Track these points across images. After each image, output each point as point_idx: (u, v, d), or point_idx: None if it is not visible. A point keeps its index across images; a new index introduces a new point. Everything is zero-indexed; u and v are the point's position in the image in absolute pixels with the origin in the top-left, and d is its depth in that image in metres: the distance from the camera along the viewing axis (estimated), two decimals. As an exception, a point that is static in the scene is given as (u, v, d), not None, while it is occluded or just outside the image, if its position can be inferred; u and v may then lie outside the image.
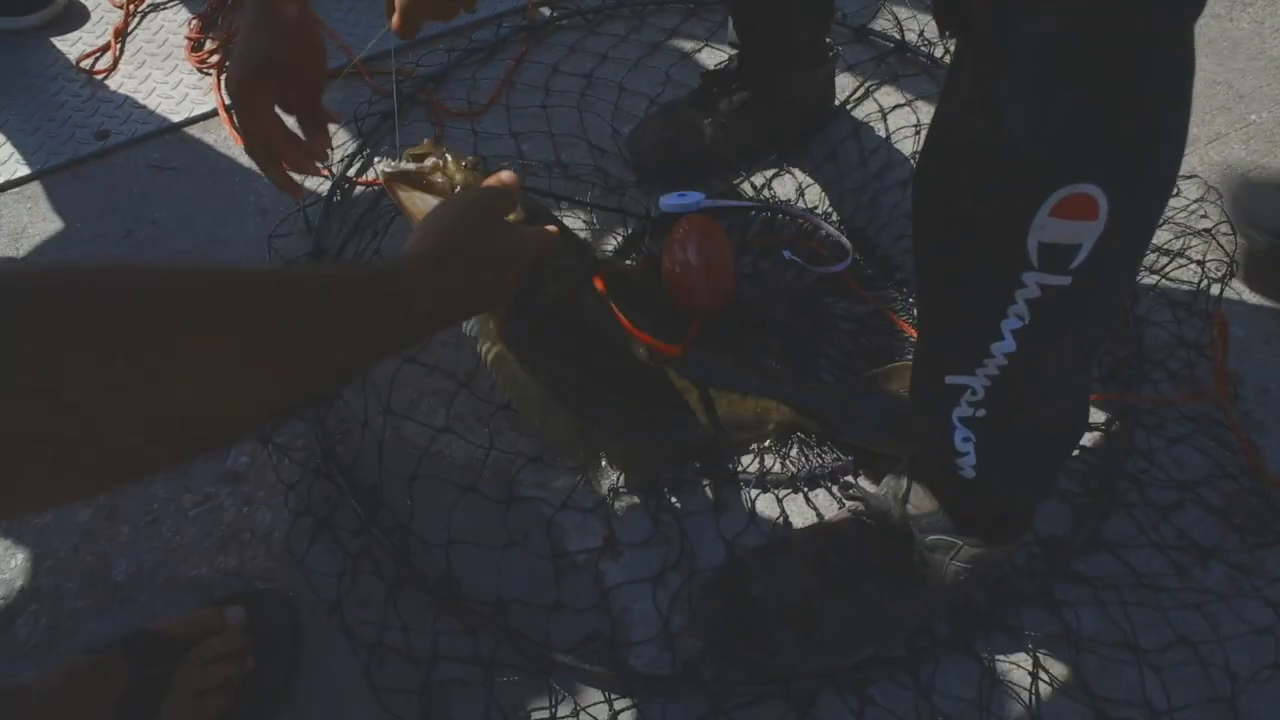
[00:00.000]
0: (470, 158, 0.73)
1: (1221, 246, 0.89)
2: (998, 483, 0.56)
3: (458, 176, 0.71)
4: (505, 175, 0.62)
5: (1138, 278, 0.87)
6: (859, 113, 1.03)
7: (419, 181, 0.71)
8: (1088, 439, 0.78)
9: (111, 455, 0.30)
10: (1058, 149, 0.39)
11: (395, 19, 0.58)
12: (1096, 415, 0.79)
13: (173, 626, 0.64)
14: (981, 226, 0.44)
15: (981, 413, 0.52)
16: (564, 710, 0.64)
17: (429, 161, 0.71)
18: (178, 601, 0.70)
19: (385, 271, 0.48)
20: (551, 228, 0.68)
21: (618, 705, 0.64)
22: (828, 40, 0.94)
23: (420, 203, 0.70)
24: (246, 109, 0.61)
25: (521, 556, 0.71)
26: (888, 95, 1.04)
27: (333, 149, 0.66)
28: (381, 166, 0.72)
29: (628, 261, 0.89)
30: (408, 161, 0.72)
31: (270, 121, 0.62)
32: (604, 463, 0.73)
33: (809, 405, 0.74)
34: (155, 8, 1.16)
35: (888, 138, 1.00)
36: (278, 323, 0.36)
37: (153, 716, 0.60)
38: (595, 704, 0.64)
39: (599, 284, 0.75)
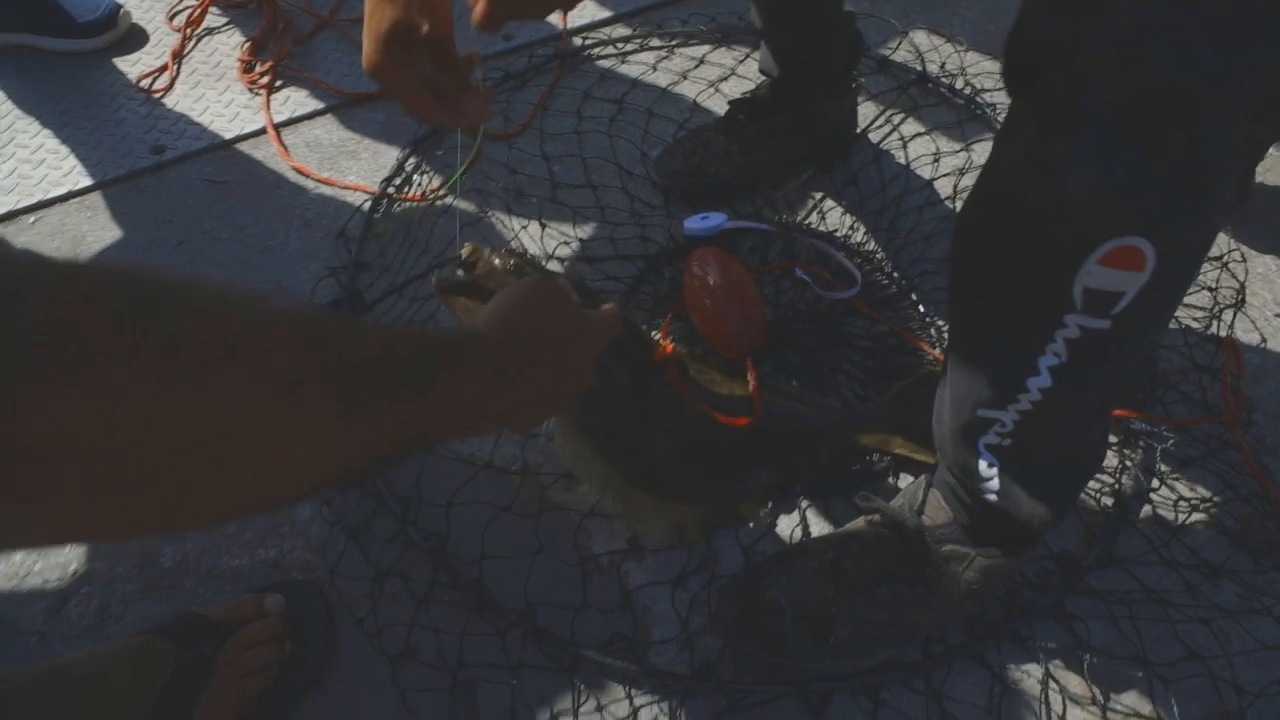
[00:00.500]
0: (515, 250, 0.72)
1: (1232, 274, 0.91)
2: (1018, 507, 0.58)
3: (509, 275, 0.67)
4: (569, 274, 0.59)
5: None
6: (880, 140, 1.06)
7: (472, 289, 0.66)
8: (1100, 458, 0.79)
9: (155, 478, 0.27)
10: (1113, 206, 0.40)
11: (479, 9, 0.55)
12: (1111, 435, 0.81)
13: (217, 611, 0.68)
14: (1029, 272, 0.45)
15: (1008, 442, 0.54)
16: (587, 706, 0.66)
17: (488, 264, 0.67)
18: (220, 589, 0.74)
19: (459, 352, 0.42)
20: (614, 309, 0.60)
21: (638, 701, 0.66)
22: (855, 72, 0.98)
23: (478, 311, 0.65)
24: (391, 86, 0.58)
25: (549, 562, 0.74)
26: (908, 124, 1.08)
27: (485, 101, 0.59)
28: (434, 280, 0.68)
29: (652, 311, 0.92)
30: (460, 272, 0.67)
31: (414, 97, 0.58)
32: (685, 533, 0.74)
33: (872, 423, 0.78)
34: (210, 31, 1.23)
35: (907, 165, 1.04)
36: (343, 370, 0.33)
37: (198, 695, 0.63)
38: (617, 700, 0.66)
39: (672, 376, 0.76)
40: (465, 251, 0.68)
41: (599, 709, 0.66)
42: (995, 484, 0.55)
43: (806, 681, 0.66)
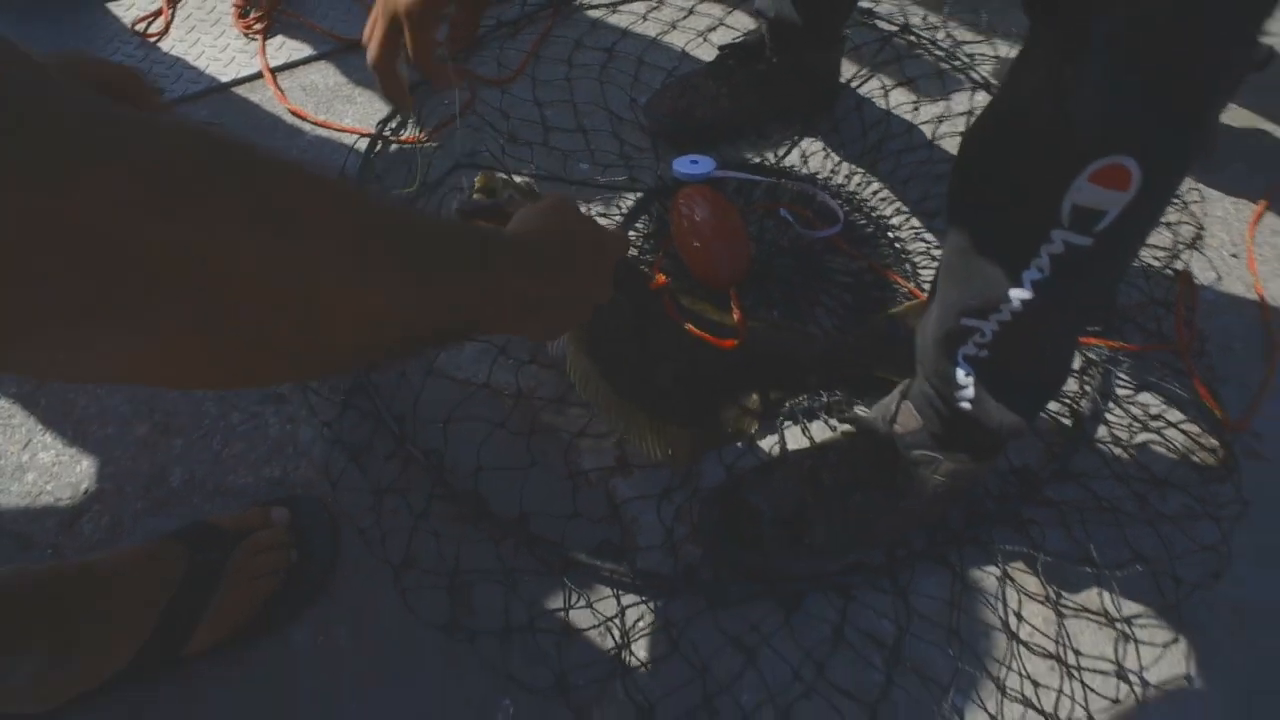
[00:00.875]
0: (524, 178, 0.76)
1: (1192, 214, 0.95)
2: (989, 416, 0.62)
3: (525, 198, 0.71)
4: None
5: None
6: (862, 89, 1.09)
7: (494, 213, 0.69)
8: (1062, 384, 0.84)
9: (243, 318, 0.29)
10: (1111, 125, 0.44)
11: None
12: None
13: (226, 520, 0.71)
14: (1024, 185, 0.49)
15: (985, 354, 0.58)
16: (577, 606, 0.71)
17: (503, 189, 0.72)
18: (227, 506, 0.77)
19: (507, 246, 0.45)
20: (622, 232, 0.68)
21: (625, 601, 0.71)
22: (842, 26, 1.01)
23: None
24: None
25: (541, 476, 0.78)
26: (889, 74, 1.11)
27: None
28: (455, 205, 0.71)
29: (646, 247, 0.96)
30: (478, 196, 0.71)
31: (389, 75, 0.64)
32: (674, 452, 0.77)
33: (856, 353, 0.82)
34: (203, -22, 1.24)
35: (888, 112, 1.07)
36: (419, 240, 0.36)
37: (209, 596, 0.67)
38: (604, 599, 0.71)
39: (667, 305, 0.81)
40: (478, 181, 0.71)
41: (588, 607, 0.70)
42: (970, 392, 0.60)
43: (781, 581, 0.70)
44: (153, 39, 1.15)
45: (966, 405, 0.61)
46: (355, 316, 0.34)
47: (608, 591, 0.71)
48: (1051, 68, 0.45)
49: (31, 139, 0.23)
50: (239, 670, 0.68)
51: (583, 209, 0.96)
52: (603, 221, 0.95)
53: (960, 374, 0.59)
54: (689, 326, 0.80)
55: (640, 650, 0.69)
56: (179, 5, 1.20)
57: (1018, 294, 0.52)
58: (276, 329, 0.31)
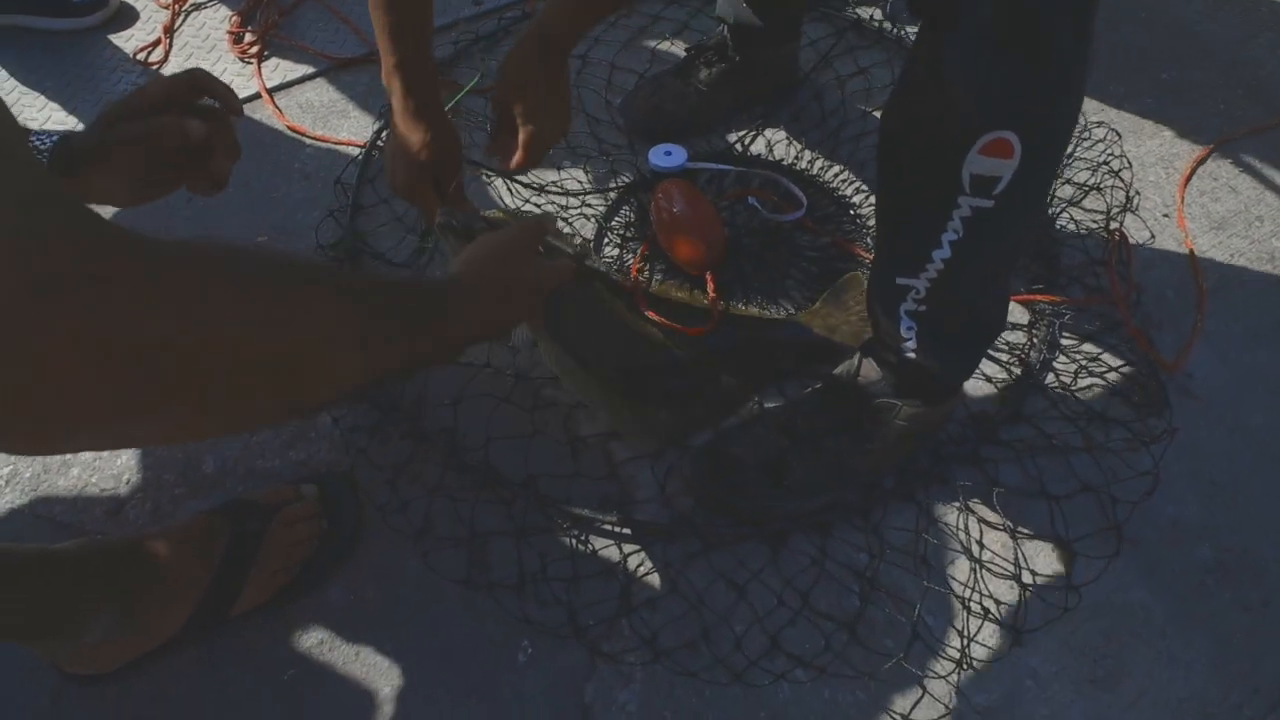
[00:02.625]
0: (505, 211, 0.86)
1: (1122, 180, 1.05)
2: (932, 362, 0.71)
3: (490, 226, 0.78)
4: (545, 218, 0.75)
5: (1050, 206, 1.02)
6: (819, 80, 1.18)
7: (461, 232, 0.78)
8: (1012, 337, 0.93)
9: (222, 384, 0.35)
10: (984, 102, 0.53)
11: (517, 159, 0.75)
12: (1019, 315, 0.94)
13: (261, 496, 0.79)
14: (929, 160, 0.58)
15: (923, 308, 0.67)
16: (583, 555, 0.78)
17: (476, 220, 0.80)
18: (258, 487, 0.84)
19: (433, 291, 0.56)
20: (567, 263, 0.73)
21: (626, 549, 0.79)
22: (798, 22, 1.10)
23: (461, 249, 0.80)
24: (416, 200, 0.80)
25: (544, 443, 0.85)
26: (844, 65, 1.20)
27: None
28: (438, 219, 0.78)
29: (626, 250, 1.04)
30: (452, 218, 0.81)
31: (430, 207, 0.80)
32: (648, 433, 0.85)
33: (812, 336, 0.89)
34: (197, 7, 1.31)
35: (844, 101, 1.16)
36: (366, 307, 0.44)
37: (250, 563, 0.74)
38: (607, 547, 0.79)
39: (640, 301, 0.88)
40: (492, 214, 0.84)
41: (593, 555, 0.78)
42: (913, 344, 0.68)
43: (767, 522, 0.78)
44: (154, 66, 1.22)
45: (912, 354, 0.69)
46: (330, 377, 0.42)
47: (610, 542, 0.79)
48: (929, 52, 0.54)
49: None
50: (283, 624, 0.75)
51: (571, 206, 1.04)
52: (583, 222, 1.03)
53: (903, 328, 0.67)
54: (659, 319, 0.87)
55: (642, 591, 0.77)
56: (176, 34, 1.27)
57: (939, 254, 0.60)
58: (261, 394, 0.38)
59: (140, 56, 1.23)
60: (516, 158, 0.75)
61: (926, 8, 0.53)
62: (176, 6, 1.29)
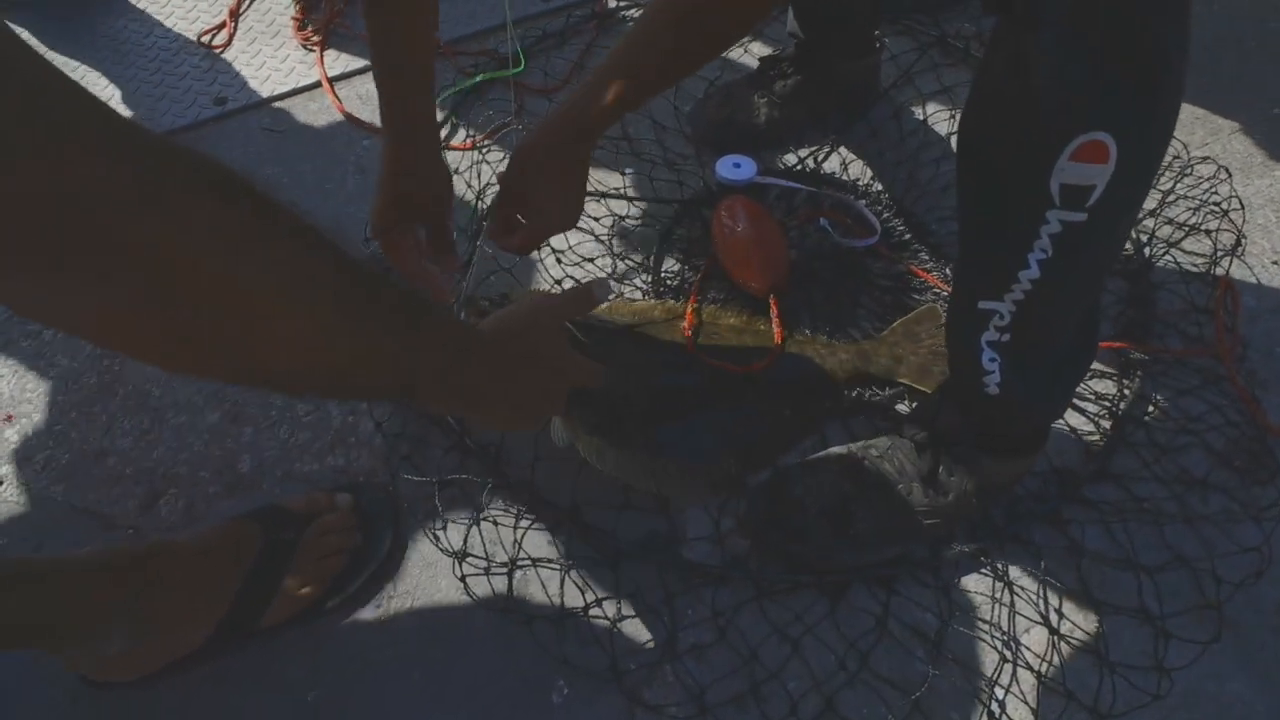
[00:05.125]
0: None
1: (1233, 222, 0.96)
2: (1018, 399, 0.65)
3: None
4: (595, 288, 0.65)
5: (1148, 243, 0.95)
6: (900, 98, 1.12)
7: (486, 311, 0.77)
8: (1101, 386, 0.86)
9: (198, 312, 0.34)
10: (1076, 101, 0.48)
11: (517, 243, 0.72)
12: (1111, 364, 0.87)
13: (296, 502, 0.75)
14: (1013, 171, 0.52)
15: (1006, 337, 0.61)
16: (627, 593, 0.74)
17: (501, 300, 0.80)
18: (295, 491, 0.81)
19: (449, 319, 0.53)
20: (601, 367, 0.65)
21: (673, 590, 0.74)
22: (876, 32, 1.04)
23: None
24: (387, 247, 0.76)
25: (592, 470, 0.80)
26: (927, 83, 1.13)
27: (459, 268, 0.80)
28: (463, 296, 0.78)
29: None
30: (480, 300, 0.82)
31: (405, 258, 0.76)
32: (716, 489, 0.78)
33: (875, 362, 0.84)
34: (265, -8, 1.29)
35: (925, 120, 1.09)
36: (361, 286, 0.41)
37: (282, 572, 0.71)
38: (654, 587, 0.74)
39: (690, 344, 0.83)
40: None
41: (636, 595, 0.73)
42: (996, 377, 0.62)
43: (826, 572, 0.73)
44: (218, 50, 1.21)
45: (994, 390, 0.63)
46: (289, 338, 0.38)
47: (657, 580, 0.74)
48: (1012, 51, 0.48)
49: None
50: (310, 642, 0.71)
51: (631, 214, 0.99)
52: (645, 231, 0.99)
53: (985, 360, 0.61)
54: (709, 360, 0.81)
55: (689, 637, 0.72)
56: (241, 18, 1.25)
57: (1026, 274, 0.54)
58: (216, 329, 0.35)
59: (204, 39, 1.22)
60: (516, 241, 0.72)
61: (1004, 1, 0.48)
62: (243, -10, 1.27)
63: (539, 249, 0.90)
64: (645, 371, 0.79)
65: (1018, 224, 0.54)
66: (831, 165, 1.05)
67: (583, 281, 0.76)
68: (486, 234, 0.73)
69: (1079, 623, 0.72)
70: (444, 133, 1.10)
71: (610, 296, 0.67)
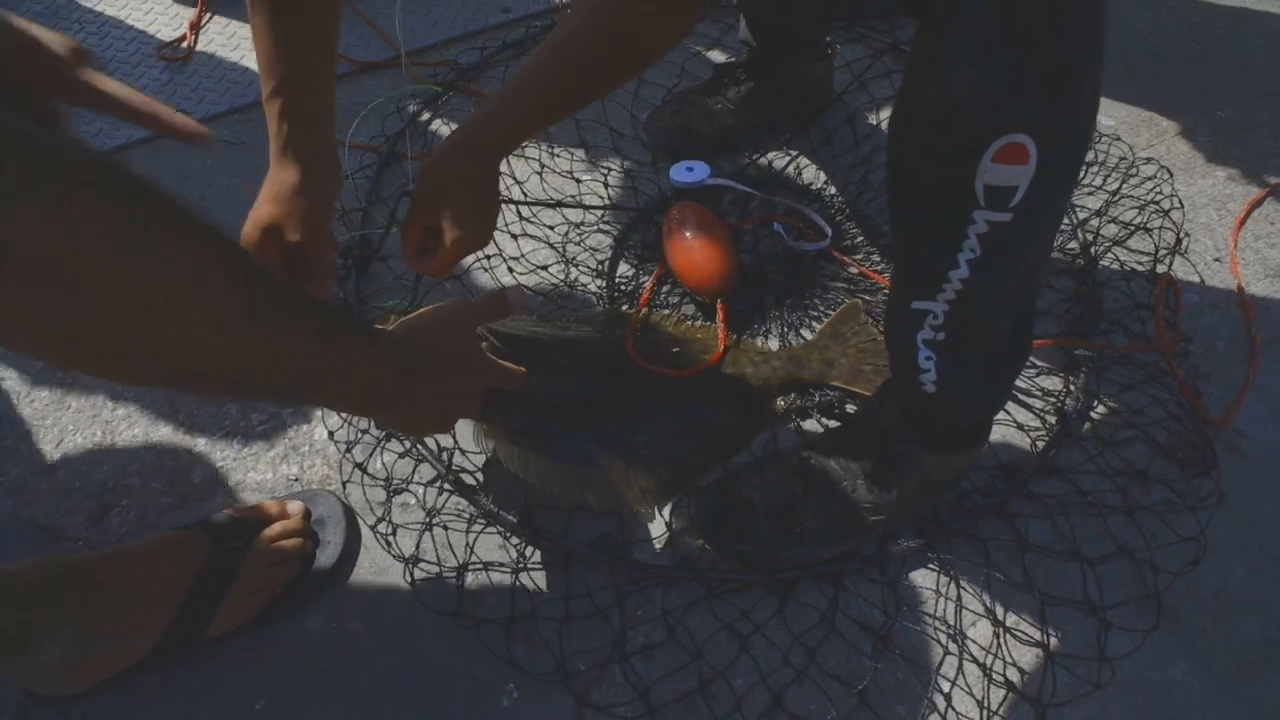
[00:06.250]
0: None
1: (1173, 220, 0.99)
2: (954, 396, 0.66)
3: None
4: (511, 295, 0.65)
5: (1092, 245, 0.97)
6: (854, 104, 1.14)
7: None
8: (1047, 383, 0.87)
9: (92, 314, 0.34)
10: (994, 105, 0.49)
11: (436, 269, 0.68)
12: (1056, 361, 0.89)
13: (245, 511, 0.75)
14: (938, 174, 0.53)
15: (941, 336, 0.62)
16: (578, 595, 0.74)
17: None
18: (247, 500, 0.81)
19: (362, 331, 0.51)
20: (521, 369, 0.67)
21: (623, 591, 0.74)
22: (828, 39, 1.06)
23: None
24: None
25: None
26: (880, 89, 1.15)
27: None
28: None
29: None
30: None
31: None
32: (649, 498, 0.75)
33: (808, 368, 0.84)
34: (223, 5, 1.30)
35: (878, 125, 1.11)
36: (257, 282, 0.41)
37: (230, 580, 0.70)
38: (604, 588, 0.74)
39: (630, 348, 0.82)
40: None
41: (588, 595, 0.74)
42: (933, 375, 0.63)
43: (775, 570, 0.73)
44: (177, 62, 1.21)
45: (931, 388, 0.64)
46: (186, 338, 0.38)
47: (608, 582, 0.75)
48: (930, 55, 0.49)
49: None
50: (258, 651, 0.71)
51: (588, 221, 1.00)
52: (600, 238, 1.00)
53: (921, 358, 0.62)
54: (645, 364, 0.81)
55: (639, 637, 0.72)
56: (201, 31, 1.26)
57: (956, 274, 0.56)
58: (111, 329, 0.36)
59: (164, 53, 1.22)
60: (433, 266, 0.68)
61: (919, 4, 0.49)
62: (203, 4, 1.28)
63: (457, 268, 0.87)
64: (571, 379, 0.77)
65: (946, 225, 0.55)
66: (787, 169, 1.07)
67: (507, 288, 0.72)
68: (402, 255, 0.69)
69: (1024, 615, 0.73)
70: (403, 145, 1.10)
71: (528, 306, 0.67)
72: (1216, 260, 0.99)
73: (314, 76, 0.67)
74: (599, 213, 1.02)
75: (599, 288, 0.95)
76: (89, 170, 0.33)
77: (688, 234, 0.90)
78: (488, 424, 0.73)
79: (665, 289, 0.95)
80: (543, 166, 1.07)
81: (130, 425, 0.87)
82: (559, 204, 1.02)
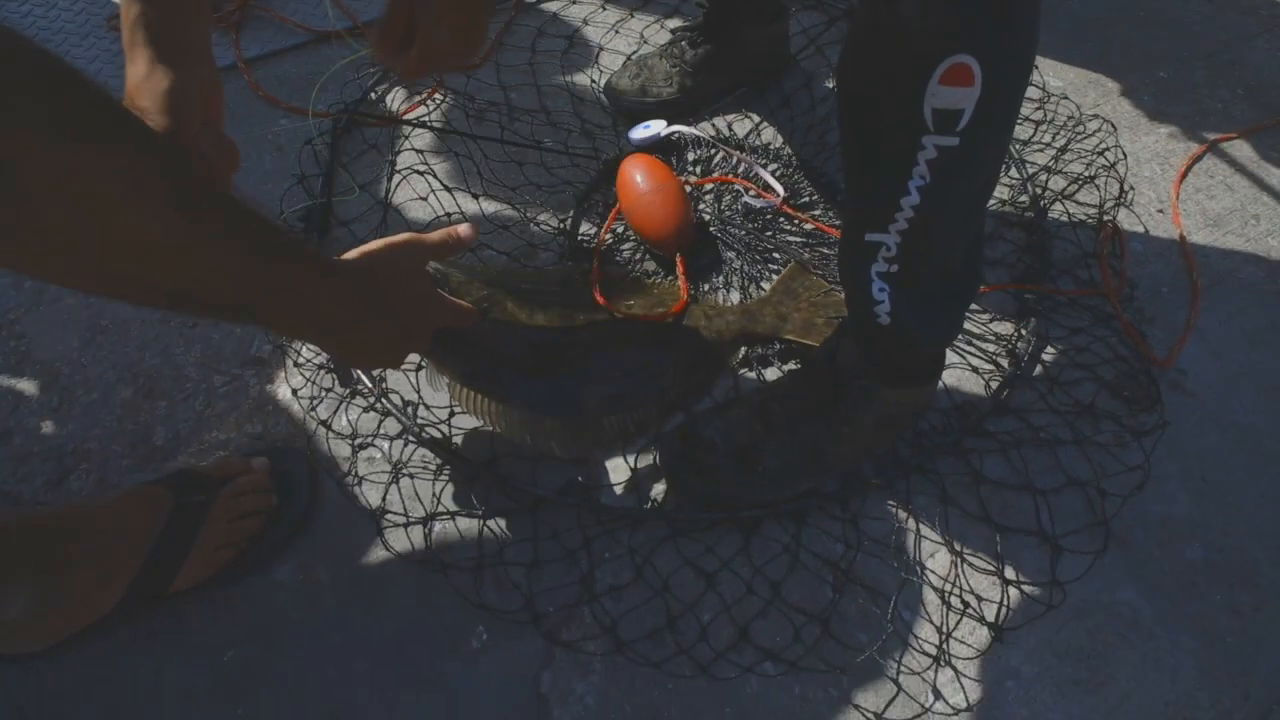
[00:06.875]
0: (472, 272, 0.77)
1: (1118, 172, 1.02)
2: (908, 326, 0.67)
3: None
4: (463, 230, 0.65)
5: (1043, 195, 1.00)
6: (810, 67, 1.15)
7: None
8: (1000, 328, 0.90)
9: (37, 218, 0.34)
10: (940, 26, 0.50)
11: (409, 68, 0.59)
12: (1008, 306, 0.91)
13: (209, 468, 0.75)
14: (888, 99, 0.55)
15: (894, 268, 0.63)
16: (546, 539, 0.75)
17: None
18: (210, 459, 0.81)
19: (315, 258, 0.50)
20: (472, 308, 0.68)
21: (590, 534, 0.75)
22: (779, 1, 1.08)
23: None
24: None
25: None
26: (836, 53, 1.17)
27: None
28: None
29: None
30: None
31: None
32: (601, 445, 0.78)
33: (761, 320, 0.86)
34: (178, -23, 1.28)
35: (834, 88, 1.13)
36: (200, 194, 0.40)
37: (194, 534, 0.70)
38: (570, 530, 0.75)
39: (597, 294, 0.82)
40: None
41: (555, 539, 0.74)
42: (886, 307, 0.65)
43: (739, 509, 0.75)
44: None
45: (885, 320, 0.65)
46: (127, 239, 0.38)
47: (574, 525, 0.75)
48: None
49: None
50: (226, 604, 0.71)
51: (547, 182, 1.01)
52: (562, 197, 1.00)
53: (875, 290, 0.64)
54: (619, 311, 0.82)
55: (606, 578, 0.73)
56: None
57: (908, 201, 0.57)
58: (55, 226, 0.35)
59: (113, 24, 1.20)
60: (407, 64, 0.59)
61: None
62: (156, -24, 1.26)
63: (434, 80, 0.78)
64: (522, 326, 0.76)
65: (896, 153, 0.57)
66: (745, 130, 1.08)
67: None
68: (371, 47, 0.60)
69: (980, 545, 0.75)
70: (362, 110, 1.10)
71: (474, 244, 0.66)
72: (1160, 212, 1.02)
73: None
74: (560, 172, 1.03)
75: (561, 245, 0.96)
76: (32, 62, 0.33)
77: (639, 183, 0.91)
78: (439, 364, 0.73)
79: (626, 246, 0.96)
80: (503, 129, 1.07)
81: (89, 390, 0.86)
82: (522, 158, 1.03)
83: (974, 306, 0.91)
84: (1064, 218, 1.00)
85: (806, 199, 1.01)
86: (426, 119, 1.09)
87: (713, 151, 1.05)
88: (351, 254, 0.58)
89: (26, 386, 0.86)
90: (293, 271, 0.48)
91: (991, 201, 0.96)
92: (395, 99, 1.12)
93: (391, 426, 0.81)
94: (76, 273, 0.39)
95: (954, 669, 0.69)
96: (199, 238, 0.41)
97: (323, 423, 0.82)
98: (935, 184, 0.56)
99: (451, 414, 0.81)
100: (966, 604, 0.71)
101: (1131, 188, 1.04)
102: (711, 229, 0.97)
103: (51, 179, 0.34)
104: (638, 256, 0.95)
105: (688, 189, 0.97)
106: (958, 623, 0.71)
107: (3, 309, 0.91)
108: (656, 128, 1.00)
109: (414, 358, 0.80)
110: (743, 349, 0.86)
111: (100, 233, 0.37)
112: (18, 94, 0.32)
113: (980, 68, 0.50)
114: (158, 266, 0.40)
